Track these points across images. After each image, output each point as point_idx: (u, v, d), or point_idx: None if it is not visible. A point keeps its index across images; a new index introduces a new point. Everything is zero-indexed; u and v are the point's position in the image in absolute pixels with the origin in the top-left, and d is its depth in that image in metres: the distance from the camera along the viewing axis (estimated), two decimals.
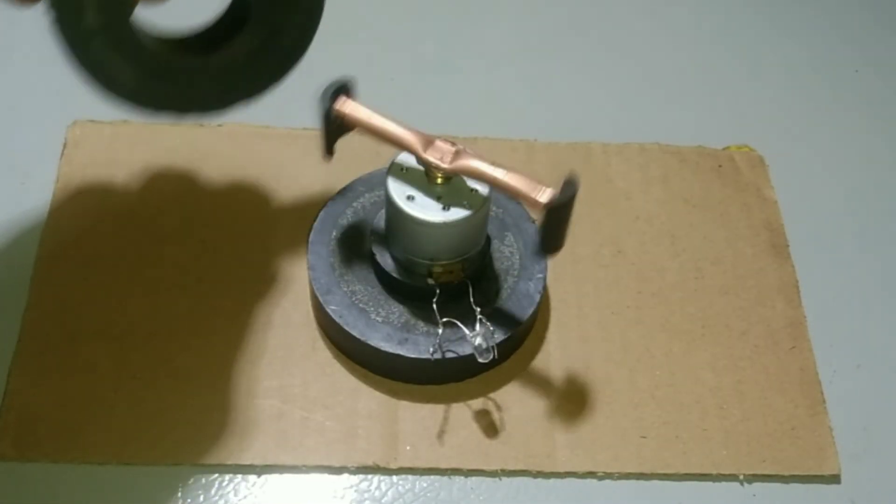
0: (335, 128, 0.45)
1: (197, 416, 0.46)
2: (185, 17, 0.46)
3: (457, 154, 0.43)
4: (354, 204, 0.51)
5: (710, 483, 0.47)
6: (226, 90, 0.46)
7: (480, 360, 0.45)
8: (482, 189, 0.44)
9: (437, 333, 0.46)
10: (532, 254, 0.50)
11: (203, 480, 0.45)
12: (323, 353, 0.49)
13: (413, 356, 0.46)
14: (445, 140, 0.43)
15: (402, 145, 0.44)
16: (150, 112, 0.44)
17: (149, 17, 0.43)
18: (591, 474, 0.46)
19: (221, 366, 0.48)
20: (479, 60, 0.65)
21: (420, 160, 0.44)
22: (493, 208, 0.51)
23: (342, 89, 0.44)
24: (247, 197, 0.54)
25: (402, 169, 0.45)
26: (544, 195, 0.41)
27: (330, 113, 0.44)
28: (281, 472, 0.45)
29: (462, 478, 0.46)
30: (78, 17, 0.39)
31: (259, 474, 0.45)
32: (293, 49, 0.46)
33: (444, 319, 0.46)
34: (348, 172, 0.53)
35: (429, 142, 0.43)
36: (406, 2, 0.68)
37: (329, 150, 0.46)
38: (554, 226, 0.42)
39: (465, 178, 0.44)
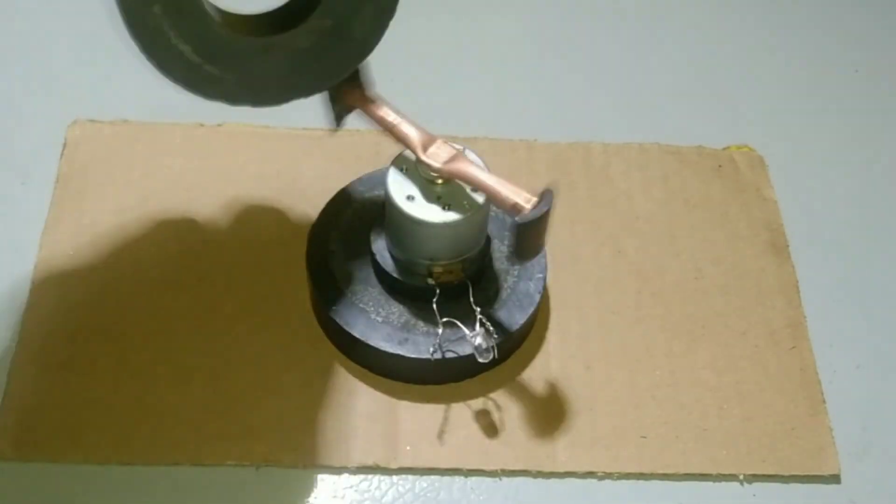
0: (342, 108, 0.45)
1: (197, 416, 0.46)
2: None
3: (453, 157, 0.43)
4: (354, 204, 0.51)
5: (710, 483, 0.47)
6: (286, 79, 0.44)
7: (480, 360, 0.45)
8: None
9: (437, 333, 0.46)
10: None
11: (203, 480, 0.45)
12: (323, 353, 0.49)
13: (413, 356, 0.46)
14: (447, 142, 0.43)
15: (402, 140, 0.44)
16: (203, 93, 0.42)
17: None
18: (591, 474, 0.46)
19: (221, 366, 0.48)
20: (479, 60, 0.65)
21: (417, 158, 0.44)
22: (493, 208, 0.51)
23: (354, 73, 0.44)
24: (247, 196, 0.54)
25: (402, 169, 0.45)
26: (526, 203, 0.41)
27: (338, 93, 0.44)
28: (281, 472, 0.45)
29: (462, 478, 0.46)
30: None
31: (259, 474, 0.45)
32: (363, 41, 0.44)
33: (444, 319, 0.46)
34: (348, 172, 0.53)
35: (430, 141, 0.43)
36: (406, 1, 0.68)
37: (337, 121, 0.46)
38: (522, 237, 0.42)
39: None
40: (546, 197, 0.41)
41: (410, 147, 0.44)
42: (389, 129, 0.44)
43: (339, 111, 0.45)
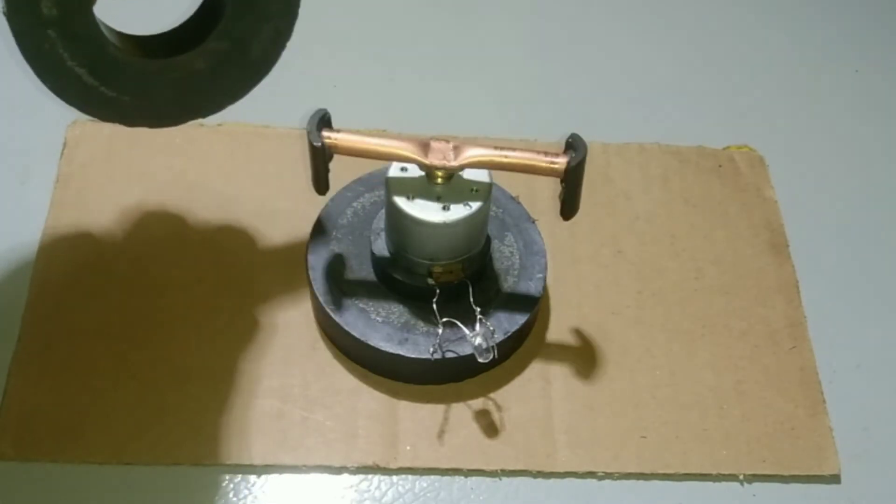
0: (325, 160, 0.44)
1: (197, 416, 0.46)
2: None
3: (457, 149, 0.43)
4: (354, 204, 0.51)
5: (710, 483, 0.47)
6: (183, 100, 0.43)
7: (480, 360, 0.45)
8: (482, 188, 0.44)
9: (437, 333, 0.46)
10: (530, 253, 0.50)
11: (203, 480, 0.45)
12: (323, 353, 0.49)
13: (413, 356, 0.46)
14: (439, 139, 0.43)
15: (400, 158, 0.44)
16: (99, 115, 0.43)
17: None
18: (591, 474, 0.46)
19: (221, 366, 0.48)
20: (478, 60, 0.65)
21: (423, 167, 0.43)
22: (493, 208, 0.51)
23: (324, 121, 0.43)
24: (247, 197, 0.54)
25: (402, 168, 0.45)
26: (560, 161, 0.43)
27: (322, 148, 0.43)
28: (281, 472, 0.45)
29: (462, 478, 0.46)
30: (34, 6, 0.37)
31: (259, 474, 0.45)
32: (260, 62, 0.44)
33: (444, 319, 0.46)
34: (348, 172, 0.53)
35: (425, 145, 0.43)
36: (406, 1, 0.68)
37: (325, 185, 0.45)
38: (573, 188, 0.44)
39: (465, 176, 0.44)
40: (577, 143, 0.43)
41: (410, 159, 0.43)
42: (379, 153, 0.43)
43: (325, 172, 0.44)
